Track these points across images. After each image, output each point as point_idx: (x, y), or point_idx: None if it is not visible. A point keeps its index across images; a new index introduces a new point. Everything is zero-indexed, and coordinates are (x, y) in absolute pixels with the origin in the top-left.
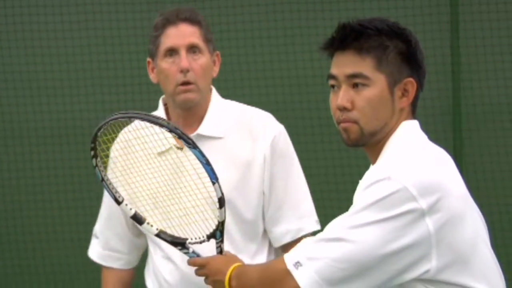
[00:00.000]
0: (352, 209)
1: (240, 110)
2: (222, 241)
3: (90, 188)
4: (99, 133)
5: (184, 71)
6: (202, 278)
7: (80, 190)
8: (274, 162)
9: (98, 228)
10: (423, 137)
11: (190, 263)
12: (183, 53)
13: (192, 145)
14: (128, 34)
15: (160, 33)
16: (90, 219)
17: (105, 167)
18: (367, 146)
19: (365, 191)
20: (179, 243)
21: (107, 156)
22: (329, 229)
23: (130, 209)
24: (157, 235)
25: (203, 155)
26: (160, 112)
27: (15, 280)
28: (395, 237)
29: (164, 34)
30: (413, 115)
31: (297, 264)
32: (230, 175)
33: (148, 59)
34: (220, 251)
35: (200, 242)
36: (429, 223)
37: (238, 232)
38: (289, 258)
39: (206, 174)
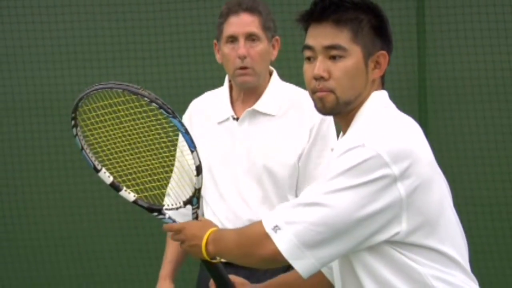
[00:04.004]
0: (327, 175)
1: (294, 92)
2: (198, 207)
3: (74, 158)
4: (80, 103)
5: (242, 58)
6: (251, 216)
7: (64, 160)
8: (314, 142)
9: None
10: (393, 106)
11: (166, 228)
12: (241, 41)
13: (172, 115)
14: (109, 11)
15: (224, 20)
16: (74, 188)
17: (85, 136)
18: (340, 115)
19: (340, 157)
20: (156, 209)
21: (87, 125)
22: (306, 195)
23: (108, 176)
24: (134, 202)
25: (182, 124)
26: (225, 87)
27: None
28: (369, 201)
29: (226, 22)
30: (383, 86)
31: (276, 228)
32: (275, 149)
33: (215, 41)
34: (196, 217)
35: (177, 208)
36: (401, 188)
37: (276, 198)
38: (267, 222)
39: (185, 143)
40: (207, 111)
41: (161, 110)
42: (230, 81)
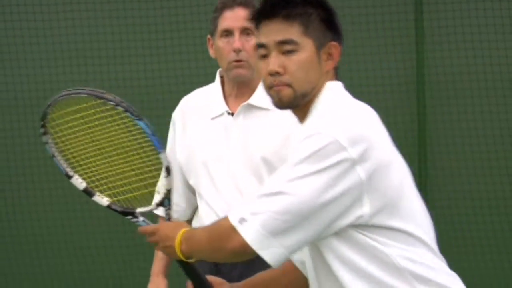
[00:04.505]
0: (288, 163)
1: None
2: (170, 209)
3: None
4: (48, 111)
5: (237, 51)
6: None
7: None
8: None
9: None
10: (348, 95)
11: (140, 231)
12: (236, 34)
13: (138, 118)
14: (110, 8)
15: (218, 15)
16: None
17: (55, 144)
18: (297, 108)
19: (299, 146)
20: (129, 212)
21: (57, 132)
22: (269, 185)
23: (81, 182)
24: (108, 207)
25: (149, 126)
26: (216, 83)
27: None
28: (330, 186)
29: (221, 16)
30: (337, 77)
31: (242, 220)
32: (272, 141)
33: (208, 36)
34: (169, 218)
35: (150, 211)
36: (360, 171)
37: None
38: (233, 215)
39: (151, 144)
40: (200, 108)
41: (127, 113)
42: (221, 76)
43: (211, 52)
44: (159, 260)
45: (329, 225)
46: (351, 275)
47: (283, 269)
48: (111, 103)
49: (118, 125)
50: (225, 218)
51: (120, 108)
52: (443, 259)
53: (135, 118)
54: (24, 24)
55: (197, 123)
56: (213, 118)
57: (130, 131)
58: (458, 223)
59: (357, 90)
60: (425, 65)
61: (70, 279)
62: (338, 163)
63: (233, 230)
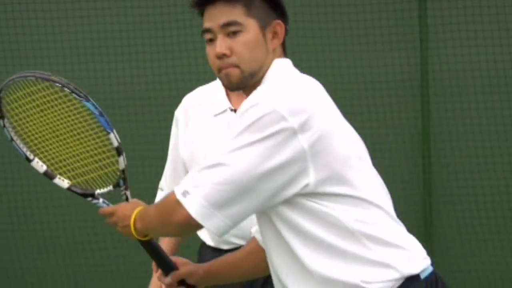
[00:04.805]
0: (229, 136)
1: None
2: (126, 189)
3: None
4: (1, 95)
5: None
6: (246, 223)
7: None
8: None
9: (163, 181)
10: (295, 71)
11: (100, 212)
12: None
13: (85, 98)
14: (118, 5)
15: None
16: None
17: (14, 127)
18: (247, 88)
19: (239, 118)
20: (89, 194)
21: (13, 116)
22: (211, 157)
23: (41, 166)
24: (68, 189)
25: (96, 107)
26: (218, 81)
27: None
28: (270, 155)
29: None
30: (285, 54)
31: (185, 193)
32: None
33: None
34: (126, 198)
35: (108, 192)
36: (302, 140)
37: None
38: (178, 189)
39: (100, 125)
40: (202, 105)
41: (74, 95)
42: None
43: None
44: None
45: (274, 194)
46: (301, 243)
47: (249, 250)
48: (58, 85)
49: (68, 106)
50: (172, 193)
51: (66, 90)
52: (401, 223)
53: (82, 99)
54: (33, 21)
55: (200, 120)
56: (216, 115)
57: (79, 112)
58: (461, 219)
59: (361, 87)
60: (429, 62)
61: (70, 273)
62: (277, 132)
63: (177, 203)
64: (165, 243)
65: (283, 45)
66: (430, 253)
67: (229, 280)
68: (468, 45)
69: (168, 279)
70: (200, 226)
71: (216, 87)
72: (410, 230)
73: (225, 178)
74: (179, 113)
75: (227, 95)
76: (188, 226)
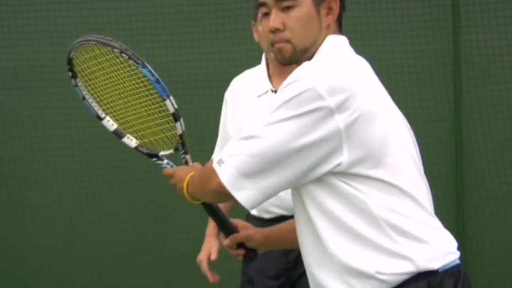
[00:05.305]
0: (268, 110)
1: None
2: (185, 153)
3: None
4: (72, 55)
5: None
6: (285, 194)
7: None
8: None
9: (214, 156)
10: (347, 48)
11: (163, 173)
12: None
13: (141, 65)
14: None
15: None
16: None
17: (86, 86)
18: (300, 63)
19: (279, 93)
20: (154, 155)
21: (83, 76)
22: (248, 129)
23: (112, 124)
24: (135, 148)
25: (153, 74)
26: (262, 64)
27: None
28: (303, 132)
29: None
30: (340, 31)
31: (220, 162)
32: None
33: (252, 22)
34: (185, 162)
35: (169, 155)
36: (339, 120)
37: None
38: (216, 158)
39: (157, 91)
40: (247, 86)
41: (131, 61)
42: (266, 58)
43: (255, 36)
44: (212, 223)
45: (305, 171)
46: (325, 222)
47: None
48: (116, 50)
49: (128, 71)
50: (211, 161)
51: (124, 55)
52: (435, 218)
53: (139, 65)
54: (111, 11)
55: (245, 101)
56: (259, 96)
57: (139, 77)
58: (494, 205)
59: (394, 74)
60: (461, 47)
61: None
62: (313, 110)
63: (213, 171)
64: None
65: (339, 21)
66: (461, 245)
67: (287, 246)
68: (497, 31)
69: (227, 241)
70: (231, 196)
71: (260, 70)
72: (441, 218)
73: (257, 150)
74: (228, 94)
75: (269, 77)
76: (221, 195)
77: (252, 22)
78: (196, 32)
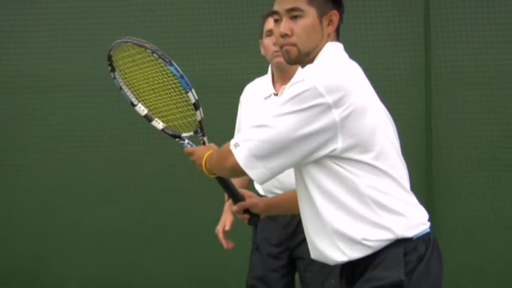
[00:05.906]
0: (276, 103)
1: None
2: (203, 135)
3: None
4: (111, 53)
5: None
6: (285, 177)
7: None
8: None
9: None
10: (342, 54)
11: (185, 151)
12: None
13: (169, 63)
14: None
15: (264, 20)
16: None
17: (123, 79)
18: (303, 64)
19: (287, 89)
20: (177, 136)
21: (120, 71)
22: (260, 118)
23: (143, 110)
24: (162, 130)
25: (178, 70)
26: (269, 72)
27: None
28: (305, 124)
29: (266, 21)
30: (338, 39)
31: (236, 145)
32: None
33: (260, 40)
34: (203, 143)
35: (190, 136)
36: (335, 114)
37: None
38: (232, 141)
39: (181, 85)
40: (256, 91)
41: (160, 60)
42: (271, 69)
43: (262, 51)
44: (228, 202)
45: (306, 155)
46: (322, 197)
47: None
48: (148, 51)
49: (158, 68)
50: (228, 143)
51: (155, 55)
52: (412, 194)
53: (167, 63)
54: (114, 23)
55: (255, 103)
56: (265, 98)
57: (167, 73)
58: (462, 211)
59: (379, 78)
60: (432, 59)
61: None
62: (314, 106)
63: (230, 152)
64: (237, 180)
65: (337, 31)
66: (431, 217)
67: (285, 212)
68: (466, 41)
69: (235, 207)
70: (244, 173)
71: (266, 77)
72: (415, 195)
73: (267, 137)
74: (242, 98)
75: (273, 83)
76: (236, 172)
77: (260, 40)
78: (216, 46)
